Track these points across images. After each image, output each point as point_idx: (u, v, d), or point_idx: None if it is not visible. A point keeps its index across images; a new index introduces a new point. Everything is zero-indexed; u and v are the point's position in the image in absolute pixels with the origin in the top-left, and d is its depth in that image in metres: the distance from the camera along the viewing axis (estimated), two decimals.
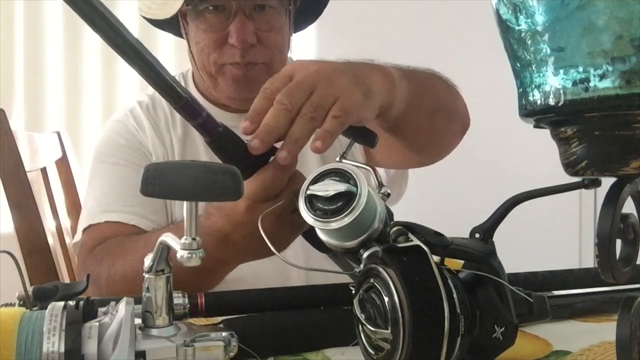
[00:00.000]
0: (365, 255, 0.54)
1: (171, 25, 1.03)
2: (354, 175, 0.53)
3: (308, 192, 0.54)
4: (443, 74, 0.93)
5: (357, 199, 0.52)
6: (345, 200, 0.52)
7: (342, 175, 0.54)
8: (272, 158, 0.66)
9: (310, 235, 0.66)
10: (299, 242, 0.69)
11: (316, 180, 0.55)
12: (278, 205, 0.63)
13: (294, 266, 0.59)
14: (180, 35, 1.07)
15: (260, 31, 0.94)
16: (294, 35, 1.08)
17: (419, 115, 0.82)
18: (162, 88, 0.56)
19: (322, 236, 0.56)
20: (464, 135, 1.01)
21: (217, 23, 0.94)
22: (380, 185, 0.59)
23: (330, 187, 0.53)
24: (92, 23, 0.51)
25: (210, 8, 0.94)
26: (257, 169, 0.63)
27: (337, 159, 0.63)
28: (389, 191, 0.59)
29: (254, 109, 0.62)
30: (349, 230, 0.53)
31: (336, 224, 0.52)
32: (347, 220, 0.51)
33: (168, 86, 0.56)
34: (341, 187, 0.52)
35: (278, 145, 0.66)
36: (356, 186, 0.52)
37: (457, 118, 0.95)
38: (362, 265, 0.54)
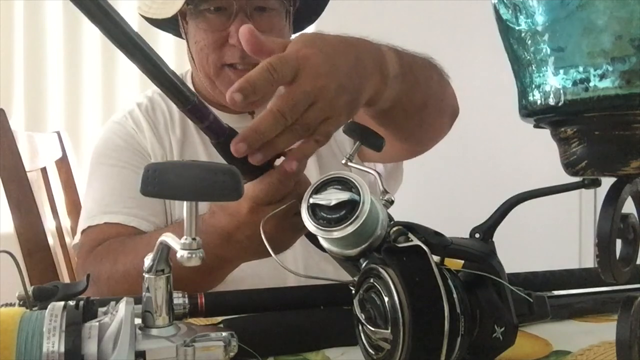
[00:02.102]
0: (364, 265, 0.53)
1: (171, 25, 1.03)
2: (356, 184, 0.53)
3: (311, 201, 0.54)
4: (436, 60, 0.92)
5: (360, 208, 0.51)
6: (348, 208, 0.52)
7: (344, 183, 0.54)
8: (277, 162, 0.66)
9: (312, 236, 0.66)
10: (299, 244, 0.69)
11: (318, 189, 0.54)
12: (281, 209, 0.63)
13: (293, 273, 0.59)
14: (177, 35, 1.07)
15: (261, 32, 0.94)
16: (293, 35, 1.08)
17: (406, 110, 0.82)
18: (171, 90, 0.55)
19: (324, 243, 0.56)
20: (457, 125, 1.01)
21: (217, 23, 0.94)
22: (385, 192, 0.59)
23: (332, 196, 0.52)
24: (101, 25, 0.50)
25: (211, 8, 0.94)
26: (263, 172, 0.63)
27: (343, 161, 0.63)
28: (392, 198, 0.59)
29: (250, 79, 0.58)
30: (351, 239, 0.53)
31: (338, 233, 0.51)
32: (349, 229, 0.51)
33: (176, 89, 0.56)
34: (344, 195, 0.52)
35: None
36: (359, 194, 0.52)
37: (446, 110, 0.96)
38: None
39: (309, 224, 0.53)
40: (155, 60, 0.53)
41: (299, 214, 0.55)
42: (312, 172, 0.56)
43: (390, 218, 0.56)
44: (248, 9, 0.93)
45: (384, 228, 0.54)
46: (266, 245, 0.57)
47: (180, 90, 0.56)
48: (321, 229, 0.52)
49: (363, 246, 0.54)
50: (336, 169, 0.56)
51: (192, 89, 1.06)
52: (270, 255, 0.60)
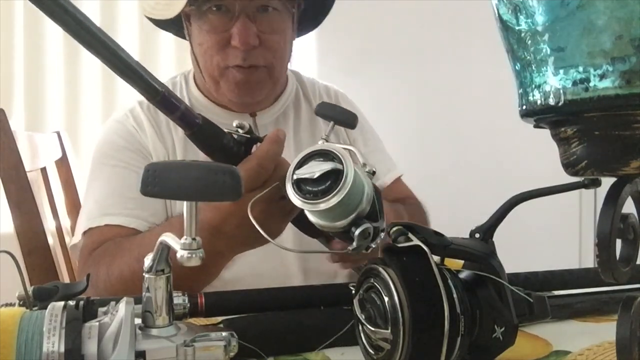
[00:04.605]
0: (357, 232, 0.52)
1: (174, 26, 1.03)
2: (338, 154, 0.52)
3: (295, 177, 0.53)
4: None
5: (344, 177, 0.51)
6: (333, 179, 0.51)
7: (326, 155, 0.53)
8: (254, 148, 0.66)
9: (300, 221, 0.65)
10: (299, 239, 0.69)
11: (301, 164, 0.54)
12: (265, 193, 0.63)
13: (286, 249, 0.58)
14: (181, 36, 1.07)
15: (263, 33, 0.94)
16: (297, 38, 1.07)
17: None
18: (137, 83, 0.55)
19: (312, 218, 0.55)
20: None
21: (220, 24, 0.94)
22: (364, 164, 0.59)
23: (315, 168, 0.52)
24: (59, 21, 0.49)
25: (214, 9, 0.93)
26: (241, 159, 0.63)
27: (320, 142, 0.63)
28: (374, 169, 0.59)
29: None
30: (338, 209, 0.52)
31: (325, 204, 0.51)
32: (336, 199, 0.50)
33: (143, 81, 0.55)
34: (326, 166, 0.51)
35: (262, 132, 0.67)
36: (341, 163, 0.51)
37: None
38: (355, 243, 0.53)
39: (295, 199, 0.52)
40: (118, 52, 0.52)
41: (284, 197, 0.54)
42: (292, 157, 0.56)
43: (375, 188, 0.56)
44: (250, 9, 0.92)
45: (370, 199, 0.54)
46: (258, 228, 0.56)
47: (147, 82, 0.55)
48: (307, 202, 0.51)
49: (351, 216, 0.53)
50: None
51: (195, 88, 1.07)
52: (261, 244, 0.59)
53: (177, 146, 1.01)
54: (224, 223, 0.67)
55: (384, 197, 0.61)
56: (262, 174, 0.64)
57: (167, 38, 1.99)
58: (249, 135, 0.66)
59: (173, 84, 1.10)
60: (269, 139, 0.65)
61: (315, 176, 0.51)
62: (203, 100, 1.06)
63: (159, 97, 0.56)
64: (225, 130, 0.64)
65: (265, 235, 0.56)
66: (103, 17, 1.95)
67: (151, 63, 1.97)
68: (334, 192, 0.50)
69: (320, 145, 0.54)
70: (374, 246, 0.54)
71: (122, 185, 0.96)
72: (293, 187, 0.53)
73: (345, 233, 0.54)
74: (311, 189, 0.52)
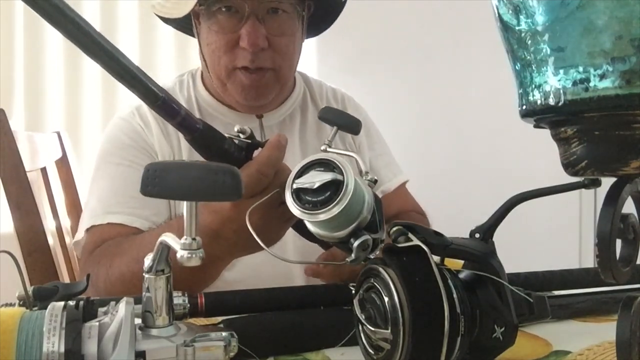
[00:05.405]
0: (355, 244, 0.52)
1: (180, 21, 1.02)
2: (338, 164, 0.52)
3: (294, 186, 0.52)
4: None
5: (344, 188, 0.50)
6: (333, 190, 0.51)
7: (326, 165, 0.52)
8: (255, 153, 0.65)
9: (300, 227, 0.65)
10: (300, 244, 0.69)
11: (301, 173, 0.53)
12: (265, 199, 0.62)
13: (282, 259, 0.57)
14: (181, 30, 1.07)
15: (272, 35, 0.94)
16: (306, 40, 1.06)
17: None
18: (137, 88, 0.54)
19: (312, 228, 0.55)
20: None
21: (229, 25, 0.93)
22: (366, 172, 0.59)
23: (315, 178, 0.51)
24: (59, 27, 0.49)
25: (223, 9, 0.93)
26: (241, 164, 0.63)
27: (322, 148, 0.62)
28: (375, 178, 0.59)
29: None
30: (337, 220, 0.51)
31: (324, 215, 0.50)
32: (335, 210, 0.50)
33: (143, 86, 0.54)
34: (327, 176, 0.51)
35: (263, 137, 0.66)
36: (342, 174, 0.51)
37: None
38: (353, 254, 0.52)
39: (294, 209, 0.52)
40: (118, 57, 0.52)
41: (284, 203, 0.54)
42: (297, 160, 0.56)
43: (376, 198, 0.55)
44: (260, 11, 0.92)
45: (370, 209, 0.53)
46: (254, 236, 0.56)
47: (147, 87, 0.55)
48: (307, 213, 0.51)
49: (351, 227, 0.52)
50: None
51: (202, 88, 1.07)
52: (260, 249, 0.59)
53: (182, 145, 1.00)
54: (223, 227, 0.67)
55: (386, 206, 0.60)
56: (263, 180, 0.63)
57: (167, 38, 1.99)
58: (250, 141, 0.65)
59: (180, 82, 1.09)
60: (270, 144, 0.65)
61: (315, 186, 0.51)
62: (210, 99, 1.06)
63: (159, 102, 0.56)
64: (226, 135, 0.64)
65: (262, 245, 0.56)
66: (103, 17, 1.95)
67: (151, 63, 1.97)
68: (333, 203, 0.50)
69: (321, 154, 0.54)
70: (372, 257, 0.53)
71: (126, 183, 0.95)
72: (292, 196, 0.52)
73: (344, 243, 0.54)
74: (311, 199, 0.51)
